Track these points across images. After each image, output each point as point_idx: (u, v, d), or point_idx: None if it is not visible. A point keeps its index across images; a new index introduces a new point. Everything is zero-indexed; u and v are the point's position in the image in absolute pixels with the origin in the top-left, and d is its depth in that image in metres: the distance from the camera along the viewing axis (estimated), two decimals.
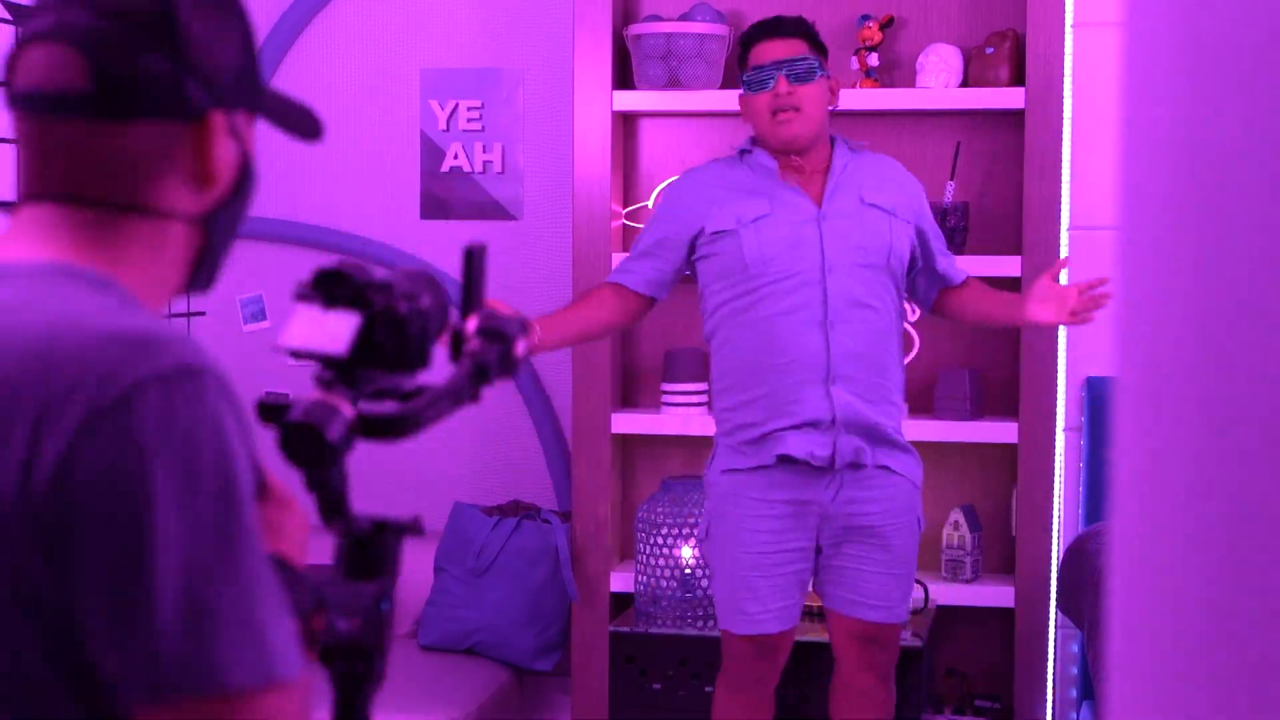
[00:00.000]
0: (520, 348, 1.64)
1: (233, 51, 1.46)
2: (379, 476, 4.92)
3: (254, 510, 1.33)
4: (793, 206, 3.49)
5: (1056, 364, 4.22)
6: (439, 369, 1.56)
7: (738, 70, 3.60)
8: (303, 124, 1.54)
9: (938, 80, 4.28)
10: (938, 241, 3.65)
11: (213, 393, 1.31)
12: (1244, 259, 0.86)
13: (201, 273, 1.52)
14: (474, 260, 1.64)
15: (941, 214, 4.28)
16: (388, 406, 1.56)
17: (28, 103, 1.40)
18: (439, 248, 4.77)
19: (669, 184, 3.79)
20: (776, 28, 3.52)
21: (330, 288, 1.54)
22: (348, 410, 1.50)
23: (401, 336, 1.53)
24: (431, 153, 4.78)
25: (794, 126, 3.46)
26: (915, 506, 3.59)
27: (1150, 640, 0.96)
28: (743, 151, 3.59)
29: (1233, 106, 0.87)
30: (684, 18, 4.36)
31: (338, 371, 1.52)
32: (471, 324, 1.63)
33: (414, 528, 1.60)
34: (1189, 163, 0.90)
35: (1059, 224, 4.20)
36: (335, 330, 1.52)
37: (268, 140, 4.89)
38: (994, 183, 4.41)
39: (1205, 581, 0.91)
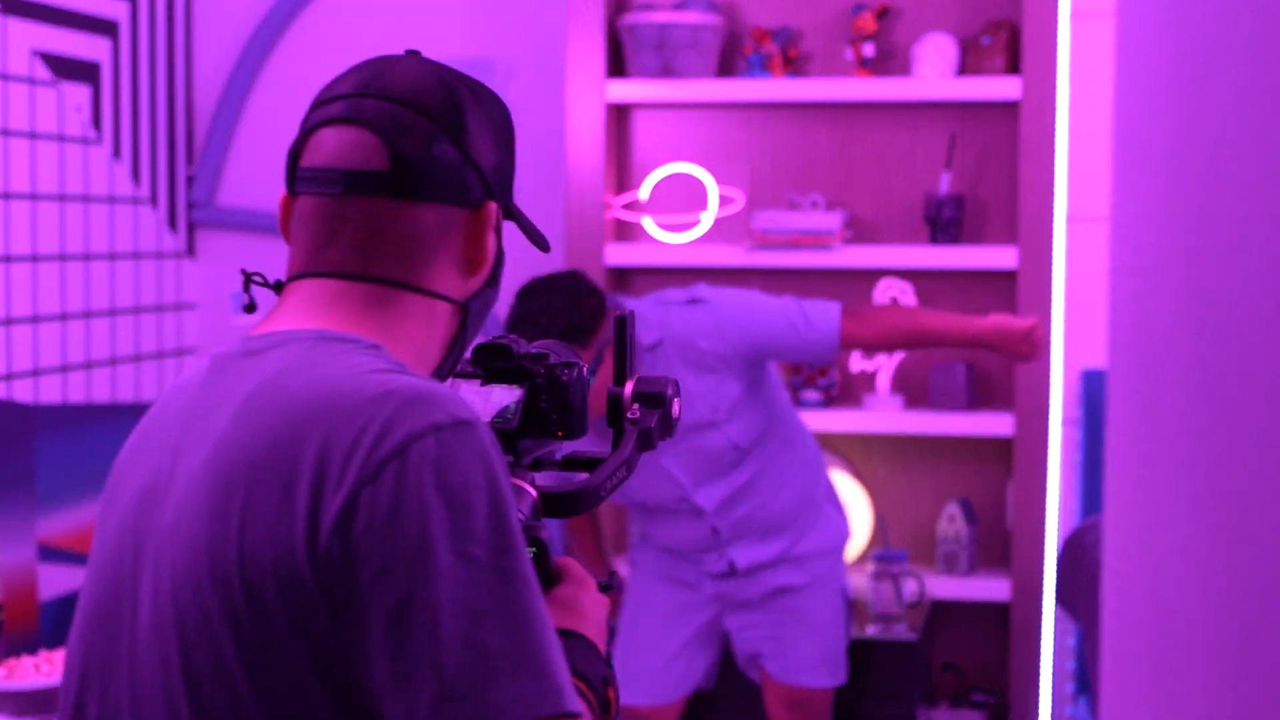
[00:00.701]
0: (676, 407, 1.69)
1: (499, 149, 1.56)
2: None
3: (526, 554, 1.36)
4: None
5: (1052, 357, 4.20)
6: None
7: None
8: (538, 235, 1.61)
9: (933, 70, 4.25)
10: (791, 338, 3.53)
11: (483, 443, 1.37)
12: (1234, 250, 0.83)
13: (454, 355, 1.59)
14: (624, 327, 1.68)
15: (937, 204, 4.26)
16: (550, 478, 1.61)
17: (321, 179, 1.49)
18: None
19: None
20: None
21: (490, 362, 1.60)
22: (532, 491, 1.56)
23: (565, 405, 1.59)
24: None
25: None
26: (837, 575, 3.72)
27: (1143, 633, 0.94)
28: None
29: (1222, 100, 0.85)
30: (678, 7, 4.33)
31: (503, 446, 1.57)
32: (628, 389, 1.67)
33: (612, 585, 1.65)
34: (1180, 156, 0.88)
35: (1054, 215, 4.17)
36: (500, 403, 1.59)
37: (257, 133, 4.88)
38: (989, 173, 4.38)
39: (1197, 573, 0.89)
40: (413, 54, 1.56)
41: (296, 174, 1.53)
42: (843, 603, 3.70)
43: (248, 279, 1.54)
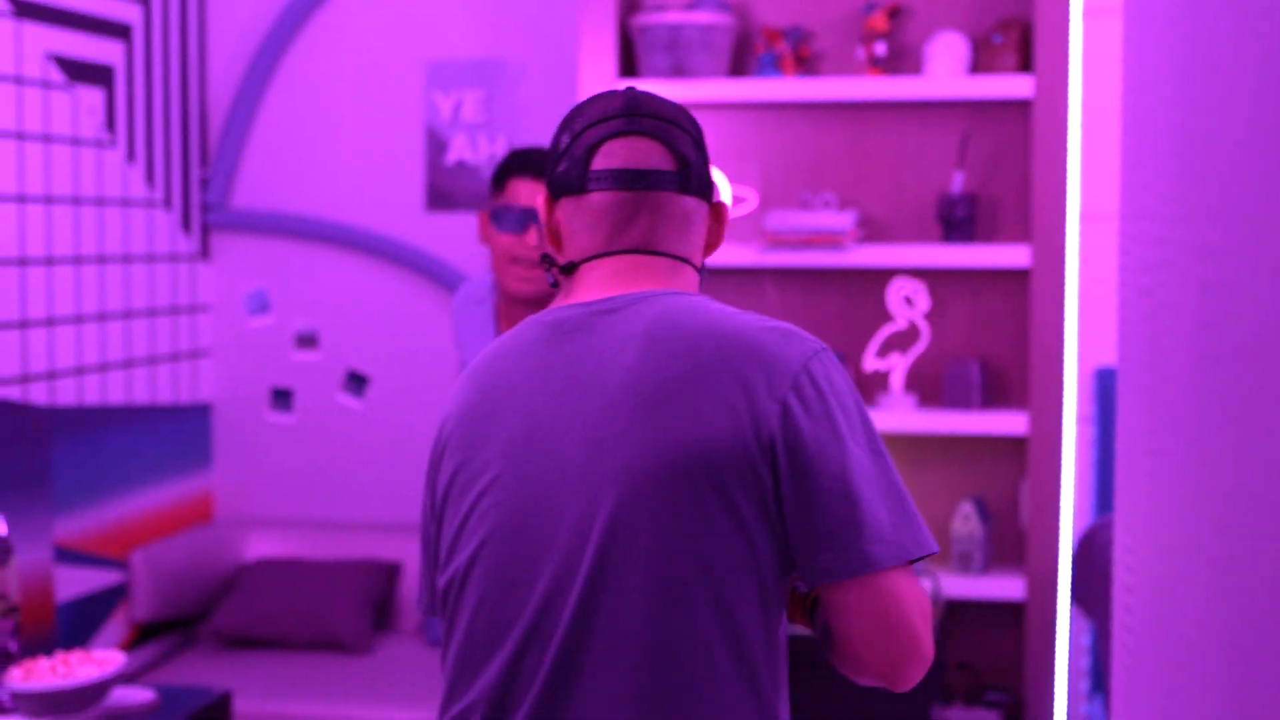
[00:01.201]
0: None
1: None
2: (391, 470, 4.92)
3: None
4: None
5: (1065, 355, 4.19)
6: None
7: (490, 194, 3.33)
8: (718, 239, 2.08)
9: (945, 69, 4.25)
10: None
11: (838, 361, 1.84)
12: (1244, 250, 0.83)
13: None
14: None
15: (950, 203, 4.26)
16: None
17: (621, 178, 1.90)
18: (444, 240, 4.75)
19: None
20: (540, 168, 3.27)
21: None
22: None
23: None
24: (436, 145, 4.76)
25: (530, 286, 3.25)
26: None
27: (1153, 631, 0.94)
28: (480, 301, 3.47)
29: (1231, 96, 0.85)
30: (689, 7, 4.33)
31: None
32: None
33: None
34: (1189, 152, 0.88)
35: (1067, 213, 4.16)
36: None
37: (271, 135, 4.89)
38: (1002, 172, 4.38)
39: (1208, 571, 0.89)
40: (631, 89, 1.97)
41: (588, 176, 1.91)
42: None
43: (549, 261, 1.94)
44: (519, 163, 3.26)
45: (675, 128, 1.92)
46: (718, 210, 1.99)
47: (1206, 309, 0.90)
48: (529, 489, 1.81)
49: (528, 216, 3.24)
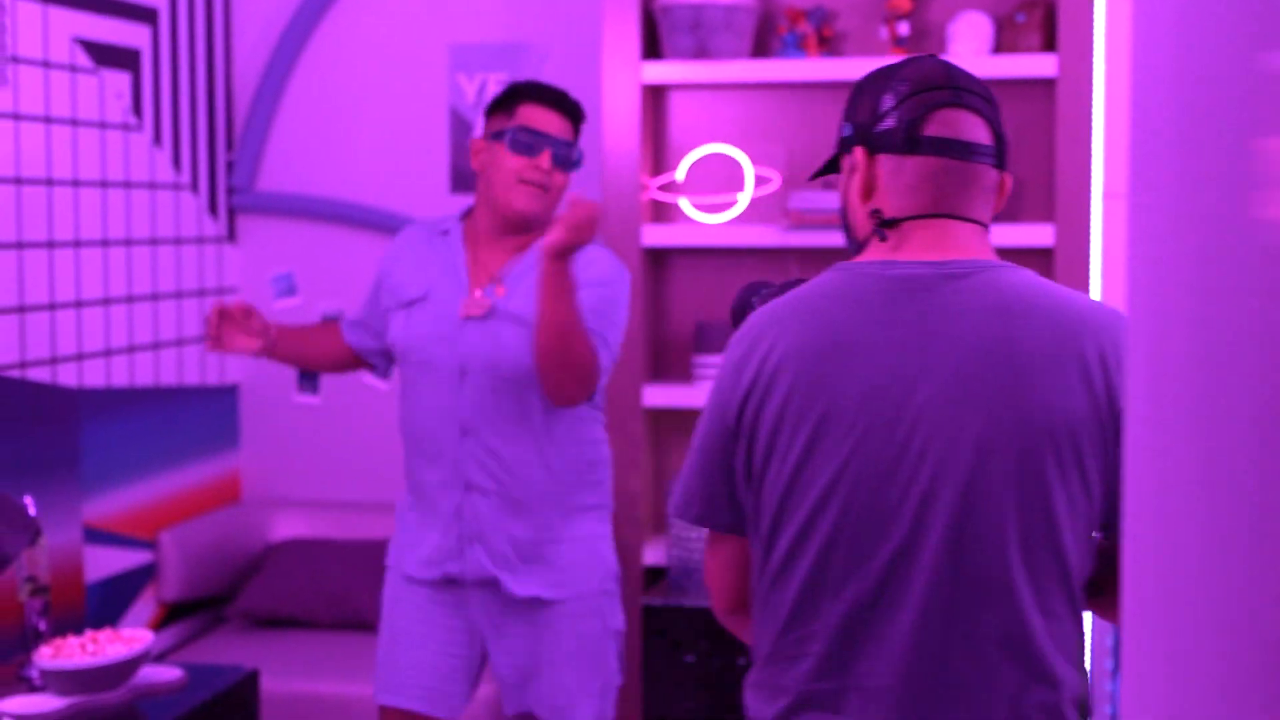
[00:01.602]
0: None
1: None
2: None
3: None
4: (453, 295, 3.34)
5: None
6: None
7: (490, 119, 3.37)
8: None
9: (968, 48, 4.25)
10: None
11: None
12: (1252, 232, 0.84)
13: None
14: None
15: None
16: None
17: (954, 148, 2.02)
18: None
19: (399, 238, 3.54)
20: (560, 102, 3.32)
21: None
22: None
23: None
24: (460, 127, 4.78)
25: (537, 204, 3.30)
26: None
27: (1162, 623, 0.95)
28: (444, 232, 3.42)
29: (1237, 79, 0.86)
30: None
31: None
32: None
33: None
34: (1193, 131, 0.89)
35: (1091, 191, 4.16)
36: None
37: (296, 118, 4.91)
38: (1026, 151, 4.38)
39: (1213, 558, 0.90)
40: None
41: (920, 140, 2.02)
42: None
43: (880, 220, 2.04)
44: (531, 91, 3.30)
45: (992, 105, 2.07)
46: (1004, 184, 2.13)
47: (1213, 293, 0.91)
48: (883, 437, 1.97)
49: (543, 141, 3.27)
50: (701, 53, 4.31)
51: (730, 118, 4.50)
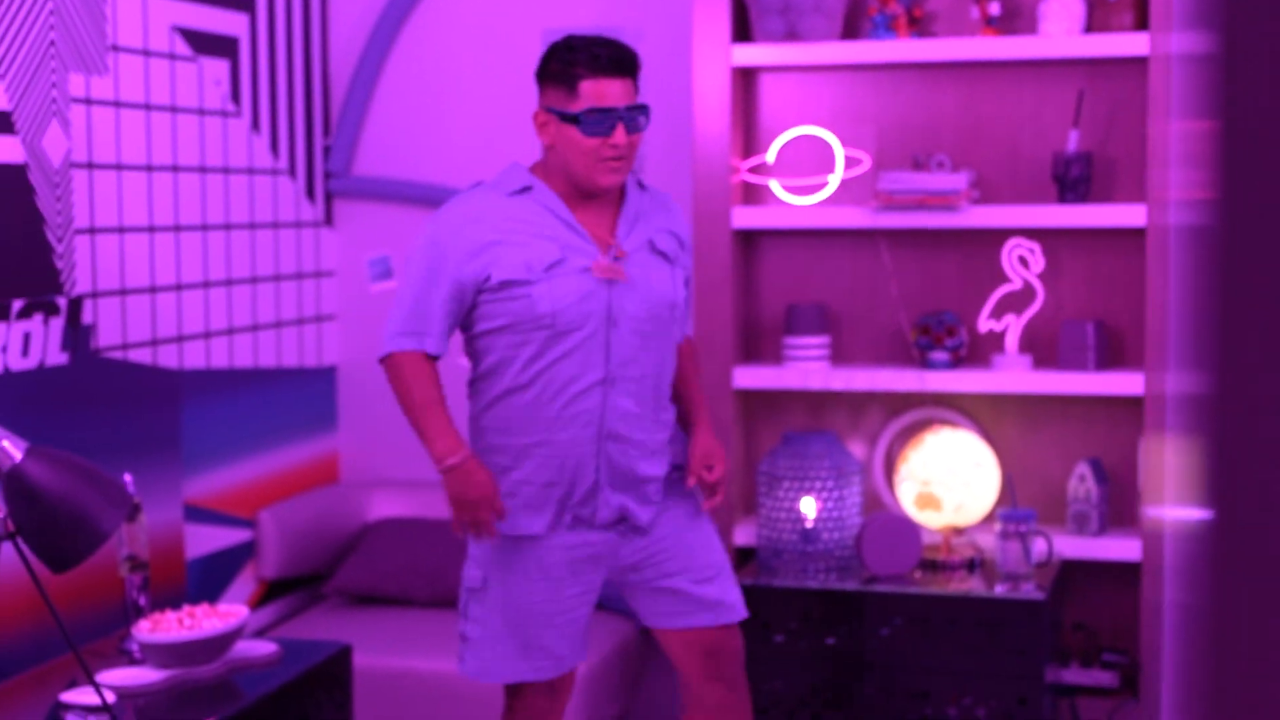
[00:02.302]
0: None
1: None
2: None
3: None
4: (584, 253, 3.28)
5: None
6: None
7: (548, 89, 3.25)
8: None
9: (1060, 27, 4.22)
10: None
11: None
12: None
13: None
14: None
15: (1065, 163, 4.23)
16: None
17: None
18: None
19: (439, 221, 3.32)
20: (619, 65, 3.20)
21: None
22: None
23: None
24: None
25: (619, 175, 3.25)
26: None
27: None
28: (525, 188, 3.31)
29: None
30: None
31: None
32: None
33: None
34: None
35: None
36: None
37: (391, 103, 4.97)
38: (1118, 131, 4.34)
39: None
40: None
41: None
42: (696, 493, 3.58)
43: None
44: (588, 61, 3.19)
45: None
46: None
47: None
48: None
49: (614, 116, 3.19)
50: (791, 35, 4.31)
51: (820, 100, 4.51)
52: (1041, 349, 4.39)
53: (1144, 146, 4.24)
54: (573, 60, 3.19)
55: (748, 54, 4.34)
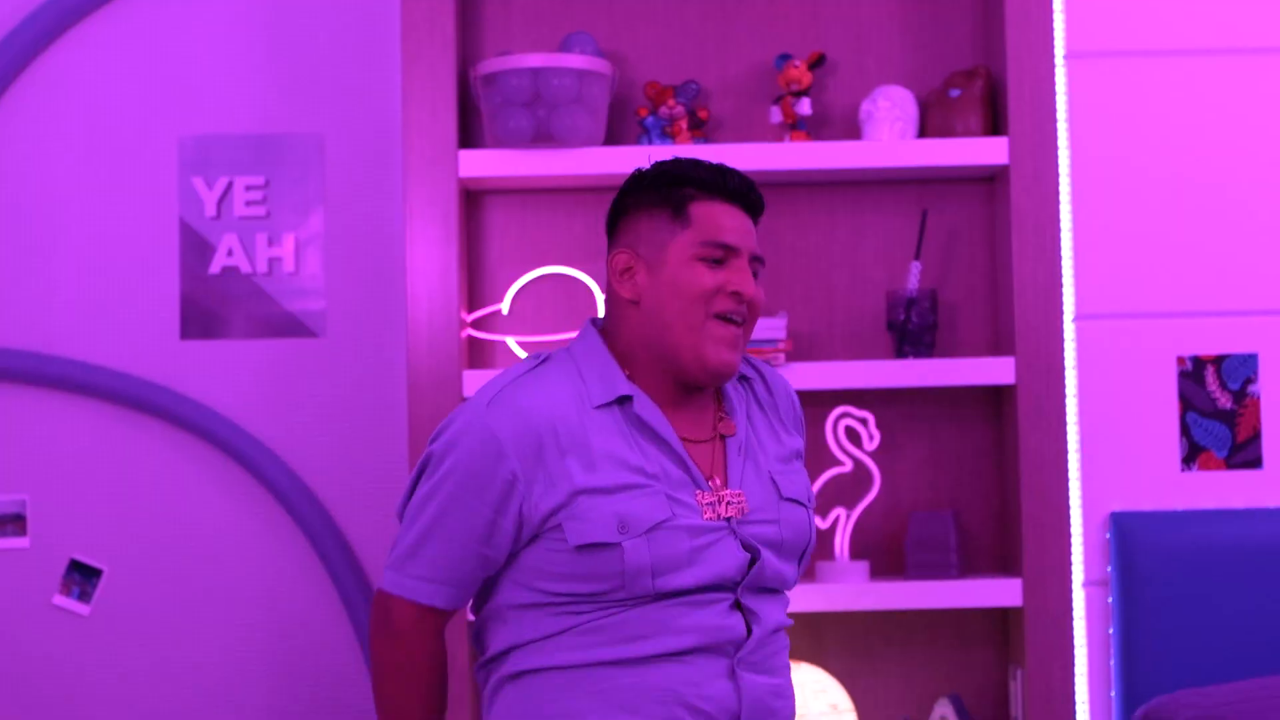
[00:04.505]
0: None
1: None
2: None
3: None
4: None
5: (1069, 499, 3.24)
6: None
7: (645, 217, 2.22)
8: None
9: (890, 131, 3.30)
10: None
11: None
12: None
13: None
14: None
15: (904, 305, 3.29)
16: None
17: None
18: (208, 378, 3.55)
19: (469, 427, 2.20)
20: (747, 199, 2.25)
21: None
22: None
23: None
24: (196, 249, 3.59)
25: (737, 354, 2.22)
26: None
27: None
28: (623, 398, 2.20)
29: None
30: (560, 48, 3.29)
31: None
32: None
33: None
34: None
35: (1061, 312, 3.23)
36: None
37: None
38: (964, 264, 3.45)
39: None
40: None
41: None
42: None
43: None
44: (703, 180, 2.23)
45: None
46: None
47: None
48: None
49: (739, 256, 2.21)
50: (543, 137, 3.24)
51: (572, 226, 3.46)
52: (881, 552, 3.40)
53: (1004, 281, 3.35)
54: (681, 178, 2.23)
55: (480, 162, 3.26)
